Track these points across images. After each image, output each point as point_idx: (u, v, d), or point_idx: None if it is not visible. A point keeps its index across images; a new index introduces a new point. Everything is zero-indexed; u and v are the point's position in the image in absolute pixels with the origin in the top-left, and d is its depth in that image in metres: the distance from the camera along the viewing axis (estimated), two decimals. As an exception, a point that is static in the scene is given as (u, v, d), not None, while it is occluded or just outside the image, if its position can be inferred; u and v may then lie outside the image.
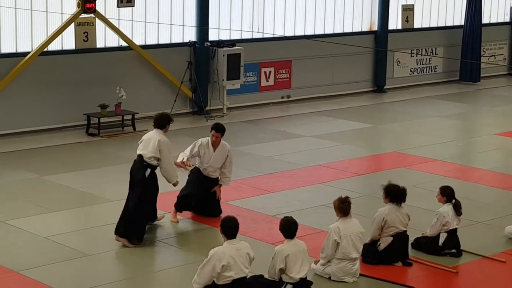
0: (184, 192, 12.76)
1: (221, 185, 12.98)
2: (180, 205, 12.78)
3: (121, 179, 14.78)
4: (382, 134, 19.40)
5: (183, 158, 12.61)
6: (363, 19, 23.92)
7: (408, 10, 24.80)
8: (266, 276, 10.04)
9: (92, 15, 18.33)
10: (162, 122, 12.06)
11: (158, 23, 19.63)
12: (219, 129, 12.77)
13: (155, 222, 12.45)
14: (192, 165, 12.82)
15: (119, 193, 13.87)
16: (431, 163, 16.40)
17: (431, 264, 11.18)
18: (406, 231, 11.26)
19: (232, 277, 9.42)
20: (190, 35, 20.33)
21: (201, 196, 12.79)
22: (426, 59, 25.37)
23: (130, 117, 18.58)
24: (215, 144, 12.78)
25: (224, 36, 20.81)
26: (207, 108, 20.36)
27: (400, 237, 11.17)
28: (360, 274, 10.67)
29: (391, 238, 11.12)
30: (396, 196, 11.19)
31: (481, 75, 26.09)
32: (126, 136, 18.15)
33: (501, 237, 12.22)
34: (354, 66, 23.55)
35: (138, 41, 19.49)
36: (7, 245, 11.57)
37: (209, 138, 12.80)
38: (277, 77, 22.05)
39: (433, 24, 25.76)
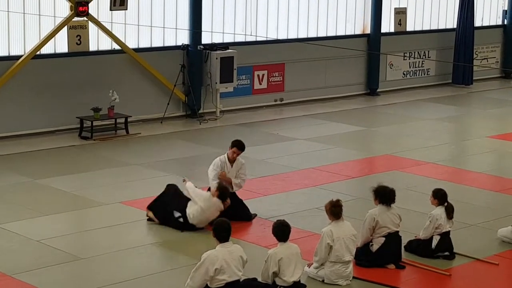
0: None
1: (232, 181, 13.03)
2: None
3: (114, 182, 14.82)
4: (375, 137, 19.40)
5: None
6: (356, 22, 23.92)
7: (400, 13, 24.83)
8: (259, 279, 10.04)
9: (85, 18, 18.31)
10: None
11: (151, 26, 19.62)
12: (242, 148, 12.95)
13: None
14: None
15: (112, 197, 13.89)
16: (423, 166, 16.41)
17: (424, 266, 11.19)
18: (398, 231, 11.28)
19: (225, 280, 9.42)
20: (183, 38, 20.32)
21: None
22: (419, 62, 25.39)
23: (123, 120, 18.55)
24: (232, 160, 12.94)
25: (217, 39, 20.81)
26: (200, 111, 20.34)
27: (393, 238, 11.18)
28: (353, 277, 10.68)
29: (384, 239, 11.14)
30: (384, 197, 11.23)
31: (474, 78, 26.10)
32: (119, 140, 18.13)
33: (494, 240, 12.23)
34: (347, 69, 23.55)
35: (131, 44, 19.47)
36: (0, 249, 11.54)
37: (226, 154, 12.94)
38: (270, 80, 22.04)
39: (426, 27, 25.79)
